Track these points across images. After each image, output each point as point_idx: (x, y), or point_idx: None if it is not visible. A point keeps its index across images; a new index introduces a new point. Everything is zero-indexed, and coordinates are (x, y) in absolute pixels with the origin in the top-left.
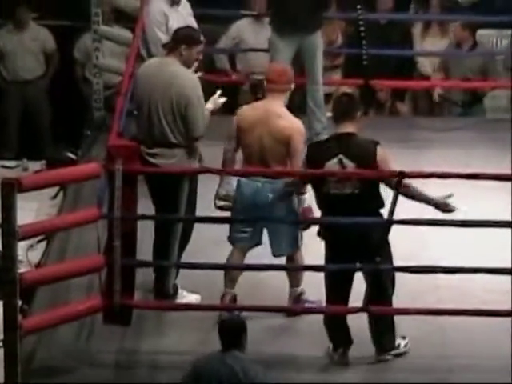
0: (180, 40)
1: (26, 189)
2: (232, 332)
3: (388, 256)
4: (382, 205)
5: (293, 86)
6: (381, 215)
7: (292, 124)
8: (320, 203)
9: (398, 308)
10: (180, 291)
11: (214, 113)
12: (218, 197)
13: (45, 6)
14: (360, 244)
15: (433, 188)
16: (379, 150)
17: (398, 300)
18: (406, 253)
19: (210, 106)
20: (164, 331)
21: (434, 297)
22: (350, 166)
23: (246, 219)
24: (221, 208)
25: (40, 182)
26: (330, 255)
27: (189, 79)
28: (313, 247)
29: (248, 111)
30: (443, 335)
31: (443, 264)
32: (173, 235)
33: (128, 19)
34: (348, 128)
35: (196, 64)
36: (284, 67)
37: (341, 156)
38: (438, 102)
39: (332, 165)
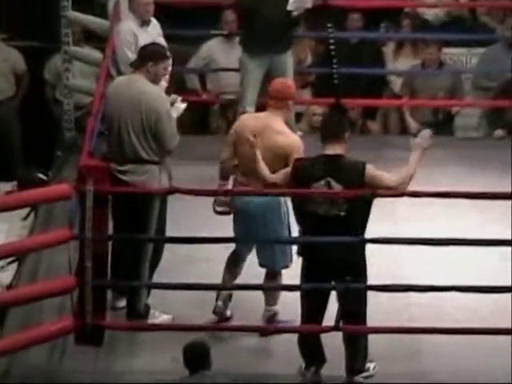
0: (146, 57)
1: None
2: (197, 356)
3: (364, 276)
4: (363, 229)
5: (291, 103)
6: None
7: (292, 141)
8: (303, 222)
9: (370, 326)
10: (152, 311)
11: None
12: (217, 202)
13: (15, 27)
14: (339, 264)
15: (404, 207)
16: (367, 170)
17: (371, 318)
18: (378, 271)
19: (174, 114)
20: (136, 351)
21: (406, 315)
22: (337, 188)
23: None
24: (220, 213)
25: (11, 203)
26: (307, 274)
27: (157, 95)
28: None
29: (249, 121)
30: (415, 353)
31: (415, 282)
32: (143, 255)
33: (98, 39)
34: (336, 149)
35: (164, 84)
36: (284, 83)
37: (328, 178)
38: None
39: (319, 186)
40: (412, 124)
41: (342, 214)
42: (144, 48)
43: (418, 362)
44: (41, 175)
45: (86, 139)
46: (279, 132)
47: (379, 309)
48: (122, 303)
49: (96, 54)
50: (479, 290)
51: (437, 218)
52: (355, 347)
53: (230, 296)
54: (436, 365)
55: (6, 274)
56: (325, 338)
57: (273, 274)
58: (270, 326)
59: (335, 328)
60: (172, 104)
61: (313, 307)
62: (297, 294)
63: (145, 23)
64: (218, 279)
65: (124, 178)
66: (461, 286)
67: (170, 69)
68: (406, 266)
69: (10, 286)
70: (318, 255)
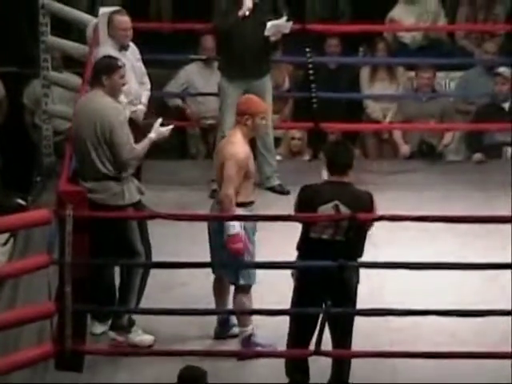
0: (99, 71)
1: None
2: (192, 380)
3: (355, 301)
4: (362, 254)
5: (245, 117)
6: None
7: (234, 151)
8: (304, 246)
9: (352, 350)
10: (135, 328)
11: (157, 144)
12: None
13: None
14: (336, 288)
15: (382, 232)
16: (374, 201)
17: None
18: (359, 296)
19: (152, 135)
20: (117, 374)
21: (387, 339)
22: (345, 212)
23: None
24: None
25: None
26: (300, 297)
27: (109, 107)
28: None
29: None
30: (395, 376)
31: (395, 307)
32: (133, 277)
33: (77, 64)
34: (343, 178)
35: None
36: (247, 98)
37: (336, 202)
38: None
39: (326, 209)
40: (404, 147)
41: (344, 239)
42: (96, 63)
43: None
44: (20, 200)
45: (64, 164)
46: (230, 142)
47: (359, 332)
48: (102, 329)
49: (75, 79)
50: (459, 314)
51: (414, 242)
52: (340, 370)
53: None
54: None
55: None
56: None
57: (240, 289)
58: (249, 351)
59: (317, 352)
60: (151, 126)
61: (303, 330)
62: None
63: (123, 48)
64: (196, 304)
65: (90, 195)
66: (440, 310)
67: (125, 79)
68: (385, 290)
69: None
70: (314, 278)
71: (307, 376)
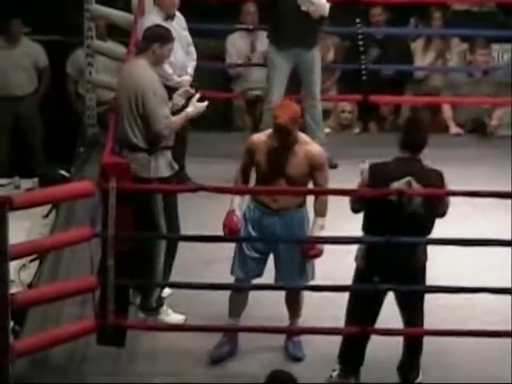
0: (153, 38)
1: (18, 207)
2: None
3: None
4: (431, 231)
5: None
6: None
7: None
8: (373, 224)
9: (396, 329)
10: (165, 308)
11: (197, 119)
12: None
13: (37, 21)
14: (405, 266)
15: None
16: (444, 179)
17: (399, 321)
18: None
19: (189, 109)
20: (158, 352)
21: (435, 317)
22: (417, 188)
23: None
24: None
25: (32, 201)
26: (364, 275)
27: (145, 77)
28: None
29: None
30: (443, 355)
31: (443, 283)
32: (156, 253)
33: (121, 33)
34: (416, 155)
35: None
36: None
37: (409, 178)
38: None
39: (399, 186)
40: (454, 129)
41: (420, 211)
42: (149, 29)
43: (446, 366)
44: (63, 172)
45: (108, 136)
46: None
47: None
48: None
49: (119, 49)
50: (508, 292)
51: (467, 217)
52: (414, 357)
53: None
54: (463, 369)
55: (27, 273)
56: None
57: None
58: (303, 328)
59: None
60: (189, 99)
61: (366, 310)
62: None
63: (169, 17)
64: None
65: None
66: (492, 288)
67: (172, 52)
68: (433, 267)
69: (30, 285)
70: (386, 255)
71: (362, 360)
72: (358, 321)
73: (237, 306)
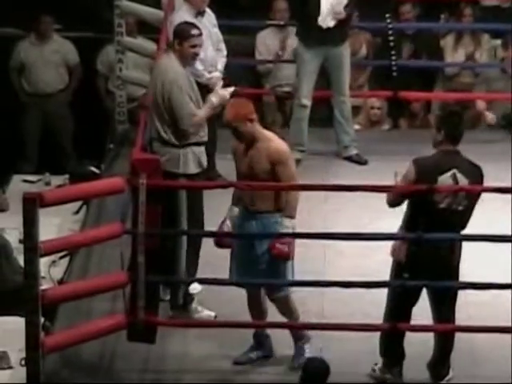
0: (174, 35)
1: (49, 204)
2: (316, 375)
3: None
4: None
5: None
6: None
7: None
8: (421, 217)
9: (427, 325)
10: (194, 305)
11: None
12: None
13: (67, 18)
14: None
15: None
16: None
17: (429, 317)
18: None
19: (213, 98)
20: (188, 349)
21: (465, 314)
22: (463, 181)
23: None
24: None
25: (62, 197)
26: (404, 270)
27: (171, 72)
28: (339, 263)
29: None
30: (473, 352)
31: (473, 280)
32: (178, 249)
33: (151, 30)
34: (455, 147)
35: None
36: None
37: (454, 170)
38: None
39: (445, 179)
40: (489, 116)
41: (461, 208)
42: (176, 26)
43: (475, 362)
44: (93, 168)
45: (138, 132)
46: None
47: None
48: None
49: (149, 45)
50: None
51: (498, 214)
52: (445, 354)
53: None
54: (491, 366)
55: (58, 269)
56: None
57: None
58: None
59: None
60: (212, 89)
61: (405, 305)
62: None
63: (199, 14)
64: None
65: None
66: None
67: (197, 49)
68: (462, 264)
69: (61, 281)
70: (427, 250)
71: (403, 353)
72: (399, 315)
73: (255, 315)
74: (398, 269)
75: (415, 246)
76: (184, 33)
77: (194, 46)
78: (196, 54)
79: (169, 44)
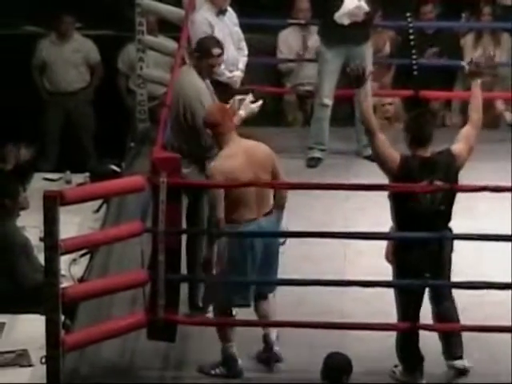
0: (196, 46)
1: (69, 202)
2: (338, 369)
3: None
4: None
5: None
6: (451, 230)
7: None
8: (403, 218)
9: (444, 324)
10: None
11: (247, 120)
12: None
13: (88, 16)
14: (435, 259)
15: (483, 202)
16: (453, 150)
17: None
18: (456, 268)
19: (241, 112)
20: (209, 347)
21: (481, 313)
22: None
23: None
24: None
25: (83, 195)
26: (402, 272)
27: (192, 89)
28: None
29: None
30: (489, 352)
31: (489, 280)
32: (199, 249)
33: (173, 29)
34: (428, 150)
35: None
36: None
37: (431, 178)
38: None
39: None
40: (508, 114)
41: (442, 207)
42: (199, 39)
43: (492, 361)
44: (113, 167)
45: (159, 130)
46: None
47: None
48: None
49: (170, 44)
50: None
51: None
52: (456, 335)
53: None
54: (508, 365)
55: (78, 267)
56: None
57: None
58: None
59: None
60: (241, 101)
61: (411, 306)
62: None
63: (221, 12)
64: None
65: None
66: None
67: (216, 68)
68: (478, 263)
69: (81, 279)
70: (413, 252)
71: (421, 356)
72: (410, 316)
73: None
74: (398, 272)
75: (403, 248)
76: (205, 50)
77: (212, 66)
78: (213, 73)
79: (189, 48)
